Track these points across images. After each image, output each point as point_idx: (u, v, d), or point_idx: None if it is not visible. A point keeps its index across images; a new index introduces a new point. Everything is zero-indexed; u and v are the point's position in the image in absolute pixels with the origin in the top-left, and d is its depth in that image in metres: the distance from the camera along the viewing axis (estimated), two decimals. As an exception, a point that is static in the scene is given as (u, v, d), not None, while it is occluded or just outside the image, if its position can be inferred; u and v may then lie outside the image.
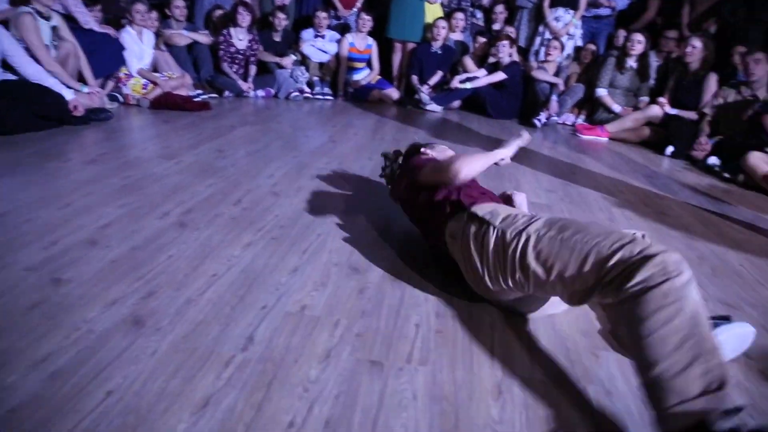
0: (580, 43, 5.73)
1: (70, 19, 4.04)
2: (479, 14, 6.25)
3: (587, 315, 1.64)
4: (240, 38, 5.28)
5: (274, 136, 3.70)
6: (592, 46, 5.55)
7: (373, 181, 2.82)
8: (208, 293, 1.57)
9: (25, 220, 1.96)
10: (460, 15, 5.79)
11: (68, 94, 3.46)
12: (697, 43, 4.46)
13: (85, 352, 1.27)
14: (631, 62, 4.94)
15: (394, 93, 5.75)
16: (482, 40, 5.74)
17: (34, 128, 3.18)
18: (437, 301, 1.65)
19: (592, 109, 5.21)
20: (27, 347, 1.26)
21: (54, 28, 3.74)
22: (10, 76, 3.36)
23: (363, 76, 5.78)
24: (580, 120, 5.25)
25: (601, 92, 5.04)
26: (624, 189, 3.17)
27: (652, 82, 5.00)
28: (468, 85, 5.44)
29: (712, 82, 4.42)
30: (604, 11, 5.70)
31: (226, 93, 5.23)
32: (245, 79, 5.36)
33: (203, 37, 5.30)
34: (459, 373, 1.32)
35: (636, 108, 4.88)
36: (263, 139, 3.59)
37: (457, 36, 5.89)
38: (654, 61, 5.08)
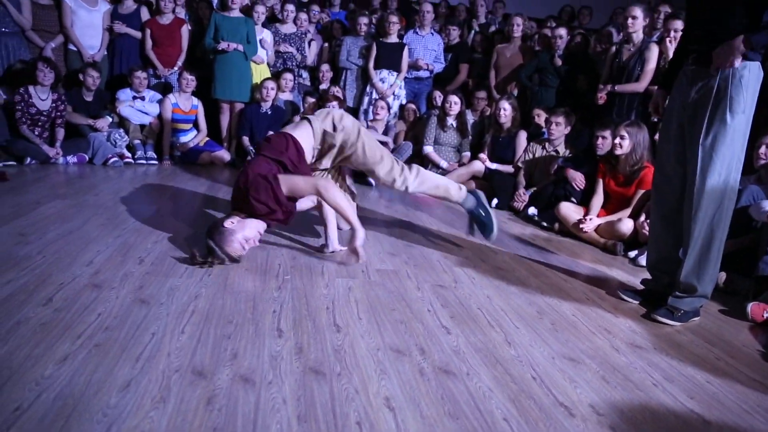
0: (405, 102, 6.06)
1: None
2: (305, 74, 6.34)
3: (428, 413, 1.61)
4: (42, 98, 4.70)
5: (92, 211, 3.28)
6: (412, 106, 5.90)
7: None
8: (10, 436, 1.26)
9: None
10: (288, 75, 5.79)
11: None
12: (506, 105, 4.94)
13: None
14: (451, 120, 5.31)
15: (225, 155, 5.53)
16: (311, 100, 5.79)
17: None
18: (297, 401, 1.51)
19: (422, 165, 5.46)
20: None
21: None
22: None
23: (190, 138, 5.48)
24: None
25: (428, 149, 5.33)
26: (461, 245, 3.32)
27: (470, 138, 5.41)
28: (301, 145, 5.41)
29: (522, 139, 4.90)
30: (423, 73, 6.11)
31: (28, 160, 4.60)
32: (52, 144, 4.77)
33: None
34: (332, 490, 1.19)
35: (461, 163, 5.24)
36: (78, 216, 3.15)
37: (286, 96, 5.88)
38: (470, 119, 5.53)
